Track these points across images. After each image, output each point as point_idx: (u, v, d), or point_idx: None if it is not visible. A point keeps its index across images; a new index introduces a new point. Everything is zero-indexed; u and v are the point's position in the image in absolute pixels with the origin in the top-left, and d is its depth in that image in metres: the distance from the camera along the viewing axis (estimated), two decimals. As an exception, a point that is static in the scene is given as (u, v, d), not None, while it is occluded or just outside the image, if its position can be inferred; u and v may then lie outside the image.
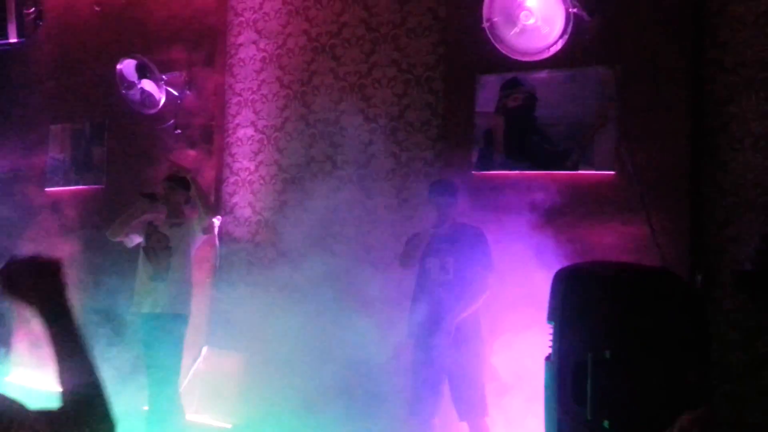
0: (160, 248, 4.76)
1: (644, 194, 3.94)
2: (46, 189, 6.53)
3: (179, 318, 4.71)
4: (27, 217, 6.51)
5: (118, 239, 4.88)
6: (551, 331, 2.62)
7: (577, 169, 4.20)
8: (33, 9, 5.92)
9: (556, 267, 2.93)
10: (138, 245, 4.84)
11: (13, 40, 5.91)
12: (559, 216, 4.02)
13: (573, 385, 2.52)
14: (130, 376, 4.82)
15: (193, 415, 5.22)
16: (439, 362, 3.87)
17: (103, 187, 6.19)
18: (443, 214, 4.05)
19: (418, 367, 3.97)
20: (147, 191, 4.94)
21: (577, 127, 4.24)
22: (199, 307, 5.55)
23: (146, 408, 4.65)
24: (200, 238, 4.93)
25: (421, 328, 3.95)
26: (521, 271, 3.83)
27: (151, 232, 4.78)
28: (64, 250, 5.93)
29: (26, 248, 6.35)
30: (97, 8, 5.88)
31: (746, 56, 3.87)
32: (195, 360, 5.42)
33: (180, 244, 4.77)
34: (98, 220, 5.92)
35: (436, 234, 4.04)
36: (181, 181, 4.85)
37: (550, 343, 2.64)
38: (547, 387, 2.65)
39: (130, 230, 4.82)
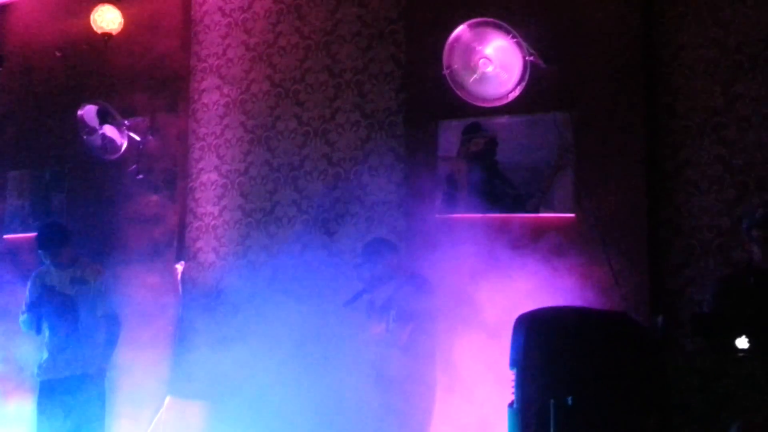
0: (60, 308, 4.36)
1: (604, 237, 4.00)
2: (4, 236, 6.39)
3: (97, 379, 4.44)
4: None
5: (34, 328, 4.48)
6: (513, 377, 2.62)
7: (537, 212, 4.27)
8: (-7, 55, 5.87)
9: (519, 310, 2.95)
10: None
11: (-27, 87, 5.84)
12: (521, 258, 4.05)
13: (536, 430, 2.51)
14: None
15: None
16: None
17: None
18: (386, 273, 4.04)
19: None
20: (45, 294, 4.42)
21: (537, 170, 4.32)
22: (161, 355, 5.47)
23: None
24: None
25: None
26: (483, 315, 3.84)
27: (49, 296, 4.38)
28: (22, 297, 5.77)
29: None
30: (58, 54, 5.85)
31: (698, 102, 4.00)
32: (158, 410, 5.29)
33: (85, 304, 4.40)
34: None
35: (380, 290, 4.04)
36: (57, 239, 4.44)
37: (513, 390, 2.64)
38: (510, 434, 2.64)
39: (36, 309, 4.42)
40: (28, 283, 4.61)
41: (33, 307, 4.43)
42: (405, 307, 3.86)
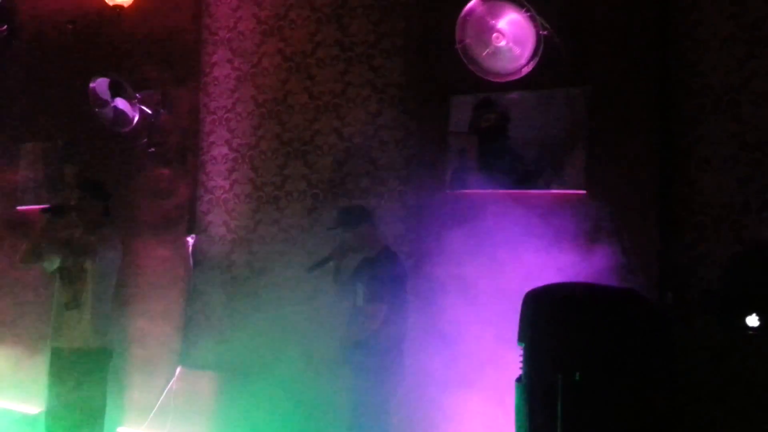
0: (75, 270, 4.17)
1: (615, 213, 3.99)
2: (18, 207, 6.44)
3: (102, 355, 4.26)
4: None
5: (31, 264, 4.30)
6: (521, 352, 2.64)
7: (549, 188, 4.25)
8: (5, 27, 5.85)
9: (529, 286, 2.96)
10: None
11: (-15, 59, 5.84)
12: (532, 235, 4.05)
13: (543, 406, 2.53)
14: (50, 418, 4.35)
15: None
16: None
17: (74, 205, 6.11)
18: (360, 242, 4.06)
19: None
20: (53, 203, 4.31)
21: (548, 146, 4.29)
22: (173, 326, 5.53)
23: None
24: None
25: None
26: (494, 289, 3.85)
27: (65, 251, 4.20)
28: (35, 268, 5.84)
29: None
30: (69, 26, 5.82)
31: (712, 78, 3.95)
32: (169, 380, 5.36)
33: (99, 266, 4.18)
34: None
35: (363, 258, 4.04)
36: (95, 188, 4.38)
37: (521, 365, 2.65)
38: (517, 409, 2.66)
39: (45, 251, 4.22)
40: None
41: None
42: (377, 285, 3.86)
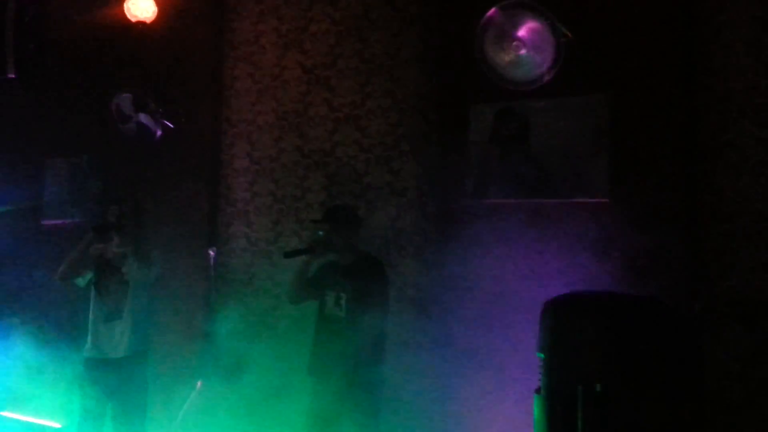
0: (114, 284, 4.36)
1: (639, 222, 3.90)
2: (43, 221, 6.52)
3: (141, 360, 4.42)
4: (24, 248, 6.50)
5: (69, 281, 4.50)
6: (541, 363, 2.57)
7: (571, 197, 4.18)
8: (32, 45, 5.96)
9: (549, 295, 2.89)
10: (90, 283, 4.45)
11: (11, 75, 5.95)
12: (553, 244, 3.98)
13: (563, 418, 2.45)
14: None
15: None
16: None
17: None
18: (340, 241, 3.93)
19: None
20: (98, 223, 4.50)
21: (571, 155, 4.23)
22: (194, 339, 5.53)
23: None
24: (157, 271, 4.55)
25: (312, 365, 3.93)
26: (514, 299, 3.78)
27: (102, 266, 4.39)
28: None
29: (22, 280, 6.34)
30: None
31: (738, 83, 3.87)
32: (189, 394, 5.35)
33: (138, 278, 4.38)
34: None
35: (340, 264, 3.93)
36: (132, 209, 4.54)
37: (540, 375, 2.58)
38: (536, 420, 2.58)
39: (81, 268, 4.43)
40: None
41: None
42: (360, 290, 3.77)
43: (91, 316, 4.44)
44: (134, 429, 4.37)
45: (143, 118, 5.63)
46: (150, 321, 4.56)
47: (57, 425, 5.92)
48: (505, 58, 4.22)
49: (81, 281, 4.53)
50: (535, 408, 2.57)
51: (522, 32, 4.14)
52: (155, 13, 5.63)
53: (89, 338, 4.43)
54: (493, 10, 4.12)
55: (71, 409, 5.65)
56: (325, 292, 3.95)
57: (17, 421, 6.06)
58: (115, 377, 4.32)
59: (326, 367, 3.84)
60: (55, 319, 6.08)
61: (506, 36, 4.19)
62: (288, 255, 4.03)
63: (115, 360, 4.34)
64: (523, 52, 4.17)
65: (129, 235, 4.46)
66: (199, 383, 5.29)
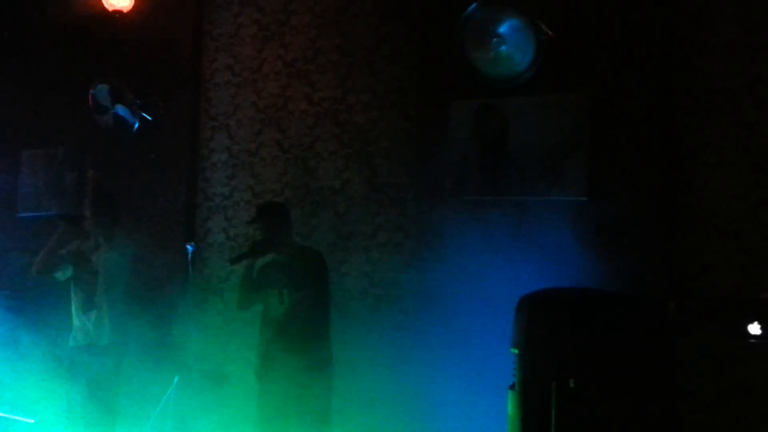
0: (86, 274, 4.42)
1: (616, 220, 3.92)
2: (19, 215, 6.42)
3: (119, 350, 4.50)
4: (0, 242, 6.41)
5: (46, 274, 4.54)
6: (515, 359, 2.57)
7: (549, 194, 4.18)
8: (6, 33, 5.86)
9: (526, 292, 2.89)
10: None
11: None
12: (531, 241, 3.98)
13: (537, 414, 2.46)
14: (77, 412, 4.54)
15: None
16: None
17: (74, 212, 6.09)
18: (277, 238, 3.98)
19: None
20: (66, 214, 4.62)
21: (549, 152, 4.23)
22: (171, 334, 5.48)
23: None
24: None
25: (261, 367, 3.95)
26: (491, 295, 3.78)
27: (78, 259, 4.44)
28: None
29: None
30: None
31: (717, 84, 3.89)
32: (166, 390, 5.29)
33: (109, 270, 4.42)
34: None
35: (276, 261, 3.96)
36: (106, 199, 4.59)
37: (514, 371, 2.58)
38: (511, 417, 2.58)
39: (59, 261, 4.47)
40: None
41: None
42: (301, 282, 3.84)
43: (72, 308, 4.54)
44: (107, 414, 4.45)
45: (120, 109, 5.57)
46: (127, 312, 4.59)
47: (29, 420, 5.84)
48: (485, 54, 4.22)
49: (61, 275, 4.57)
50: (509, 404, 2.57)
51: (503, 29, 4.14)
52: (132, 2, 5.54)
53: (72, 329, 4.55)
54: (474, 5, 4.12)
55: (45, 405, 5.60)
56: (268, 292, 3.98)
57: (-11, 416, 5.97)
58: (88, 365, 4.42)
59: (275, 367, 3.87)
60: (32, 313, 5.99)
61: (487, 33, 4.19)
62: (233, 261, 4.11)
63: (87, 347, 4.45)
64: (503, 48, 4.18)
65: (101, 227, 4.51)
66: (176, 378, 5.23)
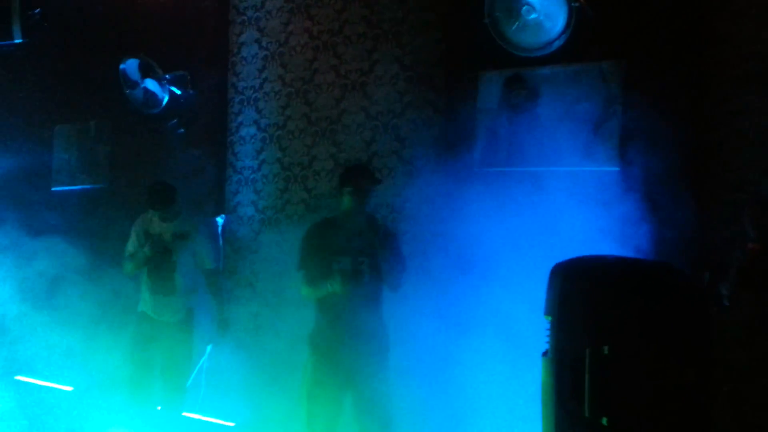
0: (162, 262, 4.64)
1: (648, 191, 3.89)
2: (53, 188, 6.55)
3: (186, 325, 4.75)
4: (33, 216, 6.52)
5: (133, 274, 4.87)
6: (548, 326, 2.58)
7: (580, 166, 4.16)
8: (38, 10, 5.92)
9: (558, 261, 2.88)
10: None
11: (17, 40, 5.92)
12: (561, 212, 3.97)
13: (571, 381, 2.48)
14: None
15: (197, 413, 5.22)
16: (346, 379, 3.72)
17: (106, 186, 6.21)
18: (360, 205, 3.80)
19: (316, 389, 3.81)
20: (159, 246, 4.67)
21: (580, 123, 4.19)
22: (203, 305, 5.57)
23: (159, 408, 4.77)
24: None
25: (328, 338, 3.77)
26: (523, 265, 3.79)
27: (154, 244, 4.63)
28: (68, 249, 5.94)
29: (34, 246, 6.38)
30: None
31: (749, 51, 3.81)
32: (200, 359, 5.40)
33: (184, 257, 4.68)
34: (104, 218, 5.97)
35: (349, 227, 3.79)
36: (165, 195, 4.62)
37: (548, 338, 2.60)
38: (543, 383, 2.60)
39: (141, 258, 4.71)
40: (132, 230, 4.82)
41: (134, 256, 4.73)
42: (381, 250, 3.77)
43: (143, 280, 4.77)
44: (177, 386, 4.77)
45: (150, 83, 5.61)
46: (195, 293, 4.82)
47: (68, 388, 6.01)
48: (514, 23, 4.18)
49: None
50: (543, 371, 2.59)
51: (533, -3, 4.09)
52: (161, -23, 5.57)
53: (141, 298, 4.78)
54: (503, -27, 4.08)
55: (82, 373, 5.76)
56: (334, 259, 3.74)
57: (31, 384, 6.16)
58: (165, 337, 4.68)
59: (347, 338, 3.72)
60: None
61: (516, 1, 4.15)
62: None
63: (163, 323, 4.70)
64: (533, 17, 4.13)
65: (168, 217, 4.69)
66: (209, 347, 5.34)
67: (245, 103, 5.57)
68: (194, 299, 4.79)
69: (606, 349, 2.40)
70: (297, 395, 4.79)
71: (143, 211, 4.81)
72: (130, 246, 4.78)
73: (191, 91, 5.71)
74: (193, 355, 4.83)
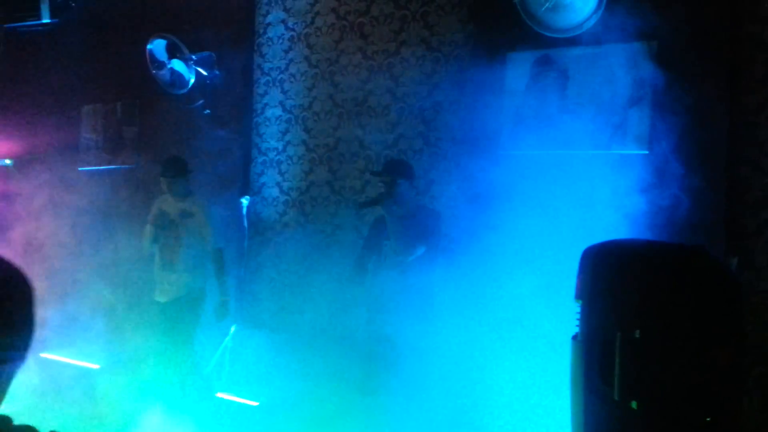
0: (170, 239, 4.83)
1: (678, 174, 3.83)
2: (79, 168, 6.61)
3: (192, 304, 4.83)
4: (61, 195, 6.60)
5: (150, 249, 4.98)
6: (579, 309, 2.56)
7: (609, 149, 4.11)
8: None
9: (586, 245, 2.86)
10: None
11: (45, 20, 5.96)
12: (591, 195, 3.93)
13: (600, 364, 2.45)
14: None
15: (221, 392, 5.28)
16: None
17: (133, 166, 6.26)
18: (400, 195, 4.04)
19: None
20: (162, 221, 4.92)
21: (610, 105, 4.14)
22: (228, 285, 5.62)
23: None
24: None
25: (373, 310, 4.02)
26: (551, 248, 3.77)
27: (163, 222, 4.84)
28: (96, 228, 6.02)
29: (59, 226, 6.46)
30: None
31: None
32: (224, 338, 5.46)
33: (190, 235, 4.83)
34: (129, 199, 6.02)
35: (394, 214, 4.01)
36: (177, 169, 4.87)
37: (578, 322, 2.58)
38: (573, 366, 2.59)
39: (149, 231, 4.91)
40: (151, 209, 5.03)
41: (153, 223, 4.90)
42: (421, 234, 3.93)
43: (155, 266, 4.96)
44: (179, 364, 4.77)
45: (176, 64, 5.63)
46: (201, 271, 4.92)
47: (95, 366, 6.10)
48: (545, 3, 4.12)
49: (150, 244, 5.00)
50: (572, 353, 2.57)
51: (563, -23, 4.03)
52: (188, -42, 5.56)
53: (156, 285, 4.96)
54: (533, -47, 4.01)
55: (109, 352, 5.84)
56: (384, 242, 4.06)
57: (57, 362, 6.25)
58: (167, 319, 4.81)
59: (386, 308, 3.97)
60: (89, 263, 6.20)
61: (547, -19, 4.09)
62: (363, 205, 4.23)
63: (167, 304, 4.85)
64: (563, -3, 4.07)
65: (178, 193, 4.89)
66: (233, 328, 5.39)
67: (271, 84, 5.57)
68: (200, 279, 4.89)
69: (637, 332, 2.37)
70: (322, 373, 4.84)
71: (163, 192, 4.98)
72: (151, 215, 4.96)
73: (217, 72, 5.72)
74: (194, 335, 4.89)
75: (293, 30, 5.47)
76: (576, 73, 4.23)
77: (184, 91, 5.69)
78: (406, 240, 3.92)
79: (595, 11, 3.97)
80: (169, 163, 4.90)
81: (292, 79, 5.47)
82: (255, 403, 5.26)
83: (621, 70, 4.07)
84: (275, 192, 5.54)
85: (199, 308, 4.89)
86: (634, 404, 2.39)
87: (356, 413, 4.02)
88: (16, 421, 1.30)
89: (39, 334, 1.28)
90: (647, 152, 3.97)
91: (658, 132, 3.96)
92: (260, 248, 5.55)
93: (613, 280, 2.49)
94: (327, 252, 5.15)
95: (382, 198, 4.04)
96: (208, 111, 5.74)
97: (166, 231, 4.83)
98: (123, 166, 6.34)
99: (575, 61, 4.23)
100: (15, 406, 1.42)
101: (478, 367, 4.22)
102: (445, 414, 4.05)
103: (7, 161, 6.85)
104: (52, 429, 1.48)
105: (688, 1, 3.94)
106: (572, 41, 4.15)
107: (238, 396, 5.33)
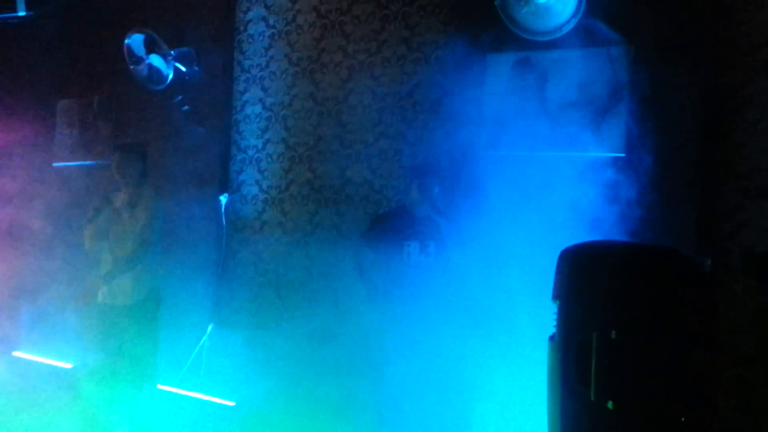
0: (118, 233, 4.39)
1: (654, 177, 3.88)
2: (54, 164, 6.52)
3: (151, 306, 4.48)
4: (35, 191, 6.51)
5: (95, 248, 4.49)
6: (556, 310, 2.59)
7: (587, 151, 4.15)
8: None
9: (563, 246, 2.89)
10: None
11: (21, 13, 5.87)
12: (567, 197, 3.96)
13: (577, 365, 2.48)
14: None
15: (197, 391, 5.24)
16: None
17: (109, 162, 6.17)
18: (424, 197, 4.10)
19: (395, 358, 3.98)
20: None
21: (588, 107, 4.18)
22: (205, 284, 5.58)
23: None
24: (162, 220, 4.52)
25: (398, 314, 3.99)
26: (528, 249, 3.80)
27: (108, 212, 4.42)
28: (71, 225, 5.93)
29: (34, 223, 6.37)
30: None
31: (762, 38, 3.80)
32: (200, 338, 5.42)
33: (137, 228, 4.38)
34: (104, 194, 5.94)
35: (416, 215, 4.05)
36: (135, 151, 4.54)
37: (555, 323, 2.60)
38: (550, 367, 2.61)
39: (92, 215, 4.42)
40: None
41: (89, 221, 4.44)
42: (444, 237, 3.99)
43: (101, 264, 4.50)
44: (137, 372, 4.41)
45: (155, 59, 5.57)
46: (160, 268, 4.60)
47: (68, 365, 6.02)
48: (524, 6, 4.15)
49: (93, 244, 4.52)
50: (549, 354, 2.60)
51: (544, -20, 4.06)
52: (167, -48, 5.51)
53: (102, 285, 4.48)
54: (514, -44, 4.04)
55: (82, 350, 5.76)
56: (404, 243, 4.06)
57: (29, 361, 6.17)
58: (124, 323, 4.39)
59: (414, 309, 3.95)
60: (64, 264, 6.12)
61: (527, -17, 4.11)
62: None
63: (124, 306, 4.41)
64: (544, 0, 4.10)
65: (130, 181, 4.49)
66: (210, 326, 5.35)
67: (251, 82, 5.54)
68: (154, 278, 4.50)
69: (613, 333, 2.40)
70: (300, 373, 4.82)
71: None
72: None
73: (196, 68, 5.67)
74: (154, 341, 4.50)
75: (274, 27, 5.44)
76: (554, 75, 4.27)
77: (163, 86, 5.63)
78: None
79: (574, 15, 4.01)
80: (127, 143, 4.75)
81: (273, 77, 5.44)
82: (231, 403, 5.24)
83: (599, 73, 4.12)
84: (254, 190, 5.51)
85: (157, 313, 4.53)
86: (610, 404, 2.42)
87: (334, 413, 4.01)
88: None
89: (10, 332, 1.26)
90: (624, 155, 4.02)
91: (634, 135, 4.01)
92: (238, 246, 5.52)
93: (590, 281, 2.52)
94: (306, 251, 5.14)
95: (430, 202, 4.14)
96: (186, 107, 5.69)
97: (113, 225, 4.38)
98: (98, 162, 6.26)
99: (554, 64, 4.27)
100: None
101: (453, 367, 4.23)
102: (427, 412, 4.05)
103: (-20, 156, 6.74)
104: (24, 428, 1.46)
105: (666, 6, 3.99)
106: (552, 44, 4.18)
107: (214, 396, 5.30)
